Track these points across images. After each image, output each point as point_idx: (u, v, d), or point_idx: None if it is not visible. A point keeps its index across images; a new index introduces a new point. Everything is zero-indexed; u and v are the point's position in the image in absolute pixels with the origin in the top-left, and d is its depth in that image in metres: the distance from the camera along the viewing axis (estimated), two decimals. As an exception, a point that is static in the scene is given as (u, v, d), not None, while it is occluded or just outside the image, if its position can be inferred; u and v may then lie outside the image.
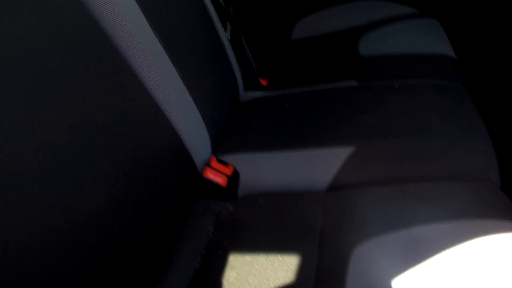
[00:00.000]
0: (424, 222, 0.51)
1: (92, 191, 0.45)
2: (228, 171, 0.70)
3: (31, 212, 0.38)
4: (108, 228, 0.48)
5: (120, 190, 0.49)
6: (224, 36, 0.85)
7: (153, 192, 0.57)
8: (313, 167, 0.67)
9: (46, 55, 0.43)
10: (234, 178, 0.69)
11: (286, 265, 0.52)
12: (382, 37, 1.06)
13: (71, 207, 0.42)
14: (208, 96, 0.72)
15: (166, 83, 0.61)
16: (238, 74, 0.89)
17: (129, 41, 0.55)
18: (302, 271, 0.51)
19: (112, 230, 0.48)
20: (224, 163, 0.71)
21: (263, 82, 0.98)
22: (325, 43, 1.14)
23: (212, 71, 0.76)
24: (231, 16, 0.84)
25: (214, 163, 0.70)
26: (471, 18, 1.27)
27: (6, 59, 0.39)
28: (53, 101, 0.42)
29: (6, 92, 0.38)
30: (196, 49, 0.71)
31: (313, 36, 1.21)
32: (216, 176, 0.68)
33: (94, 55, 0.49)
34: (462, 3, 1.26)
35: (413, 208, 0.54)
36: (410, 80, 0.81)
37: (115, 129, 0.50)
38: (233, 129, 0.80)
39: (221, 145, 0.76)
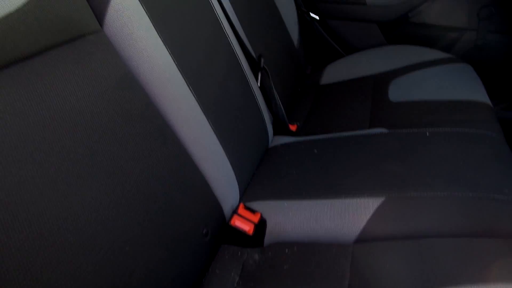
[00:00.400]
0: (457, 283, 0.48)
1: (119, 239, 0.47)
2: (255, 218, 0.70)
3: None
4: (133, 274, 0.49)
5: (148, 237, 0.51)
6: (254, 84, 0.88)
7: (181, 239, 0.58)
8: (342, 217, 0.66)
9: (92, 119, 0.47)
10: (261, 225, 0.70)
11: (312, 323, 0.51)
12: (413, 83, 1.06)
13: (98, 254, 0.44)
14: (238, 144, 0.74)
15: (197, 133, 0.64)
16: (268, 121, 0.92)
17: (165, 94, 0.59)
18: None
19: (138, 276, 0.50)
20: (252, 211, 0.72)
21: (292, 128, 1.00)
22: (354, 88, 1.15)
23: (243, 120, 0.79)
24: (262, 67, 0.88)
25: (241, 211, 0.71)
26: (506, 62, 1.24)
27: (58, 124, 0.43)
28: (93, 159, 0.46)
29: (54, 152, 0.42)
30: (228, 100, 0.75)
31: (342, 81, 1.23)
32: (243, 224, 0.68)
33: (134, 111, 0.53)
34: (495, 47, 1.25)
35: (446, 267, 0.51)
36: (443, 128, 0.80)
37: (146, 179, 0.53)
38: (262, 175, 0.81)
39: (249, 191, 0.77)
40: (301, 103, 1.17)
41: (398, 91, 1.03)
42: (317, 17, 1.29)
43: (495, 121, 0.83)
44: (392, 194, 0.65)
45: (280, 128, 0.98)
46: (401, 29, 1.33)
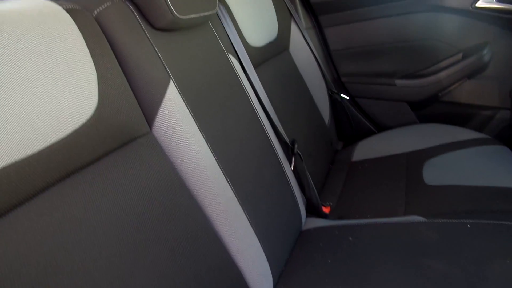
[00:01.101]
0: None
1: None
2: (290, 314, 0.68)
3: None
4: None
5: None
6: (288, 168, 0.90)
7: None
8: (381, 318, 0.63)
9: (137, 219, 0.50)
10: (296, 322, 0.67)
11: None
12: (448, 165, 1.04)
13: None
14: (272, 233, 0.75)
15: (235, 226, 0.65)
16: (301, 204, 0.92)
17: (205, 189, 0.62)
18: None
19: None
20: (286, 304, 0.70)
21: (325, 210, 0.99)
22: (387, 166, 1.15)
23: (277, 207, 0.80)
24: (296, 152, 0.90)
25: (276, 305, 0.69)
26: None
27: (107, 228, 0.46)
28: (136, 261, 0.48)
29: (101, 257, 0.44)
30: (263, 188, 0.76)
31: (374, 158, 1.23)
32: (277, 320, 0.66)
33: (177, 209, 0.56)
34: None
35: None
36: (485, 220, 0.77)
37: (185, 278, 0.53)
38: (296, 263, 0.79)
39: (282, 280, 0.75)
40: (334, 181, 1.17)
41: (433, 173, 1.02)
42: (347, 97, 1.34)
43: (541, 213, 0.79)
44: (435, 296, 0.62)
45: (313, 210, 0.98)
46: (432, 108, 1.35)
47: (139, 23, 0.58)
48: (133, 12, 0.58)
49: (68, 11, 0.48)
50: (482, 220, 0.77)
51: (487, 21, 1.18)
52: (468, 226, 0.76)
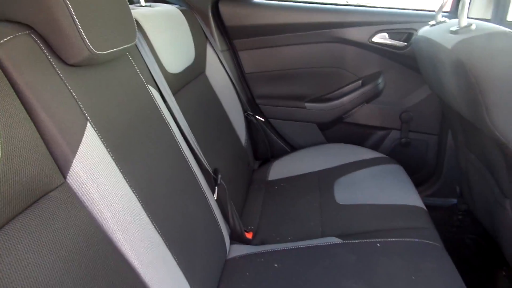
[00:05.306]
0: None
1: None
2: None
3: None
4: None
5: None
6: (211, 198, 0.89)
7: None
8: None
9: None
10: None
11: None
12: (355, 183, 1.15)
13: None
14: (200, 269, 0.72)
15: (162, 273, 0.61)
16: (225, 233, 0.92)
17: (130, 238, 0.57)
18: None
19: None
20: None
21: (248, 236, 1.00)
22: (301, 185, 1.21)
23: (203, 240, 0.78)
24: (219, 183, 0.89)
25: None
26: (425, 155, 1.42)
27: None
28: None
29: None
30: (189, 226, 0.74)
31: (288, 177, 1.29)
32: None
33: (100, 267, 0.50)
34: (416, 144, 1.43)
35: None
36: (391, 238, 0.86)
37: None
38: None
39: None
40: (253, 203, 1.19)
41: (343, 193, 1.11)
42: (262, 119, 1.38)
43: (432, 227, 0.92)
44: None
45: (237, 237, 0.98)
46: (338, 128, 1.47)
47: (48, 59, 0.51)
48: (40, 47, 0.50)
49: None
50: (389, 238, 0.87)
51: (381, 54, 1.33)
52: (378, 245, 0.84)
